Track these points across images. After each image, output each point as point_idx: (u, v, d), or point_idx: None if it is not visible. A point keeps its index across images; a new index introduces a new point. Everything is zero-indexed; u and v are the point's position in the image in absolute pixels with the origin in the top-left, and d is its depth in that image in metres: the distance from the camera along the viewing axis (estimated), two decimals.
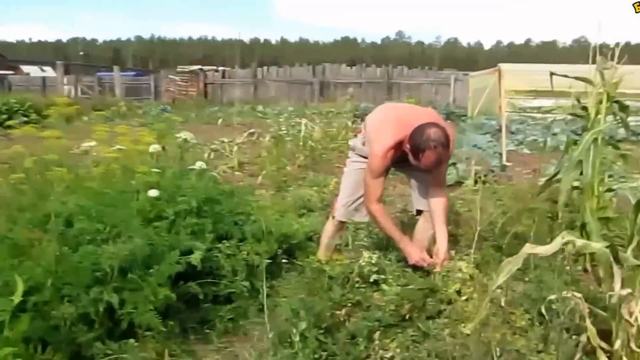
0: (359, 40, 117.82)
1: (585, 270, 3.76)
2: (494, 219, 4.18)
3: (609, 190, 3.79)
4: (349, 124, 11.14)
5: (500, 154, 8.54)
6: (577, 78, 3.90)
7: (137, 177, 3.74)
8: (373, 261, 3.08)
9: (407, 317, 2.81)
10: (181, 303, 2.99)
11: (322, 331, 2.59)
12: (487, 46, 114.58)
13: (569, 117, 16.23)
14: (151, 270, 2.78)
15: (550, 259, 3.68)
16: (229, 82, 25.33)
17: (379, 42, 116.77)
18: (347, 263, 3.22)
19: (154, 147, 3.69)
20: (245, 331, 3.17)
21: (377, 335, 2.60)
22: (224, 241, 3.46)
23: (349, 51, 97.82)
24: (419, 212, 3.68)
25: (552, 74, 4.09)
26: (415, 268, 3.28)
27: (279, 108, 19.88)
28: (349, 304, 2.92)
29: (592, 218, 3.59)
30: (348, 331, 2.65)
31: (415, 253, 3.30)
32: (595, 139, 3.65)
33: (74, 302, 2.56)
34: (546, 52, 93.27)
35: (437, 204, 3.47)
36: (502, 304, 3.10)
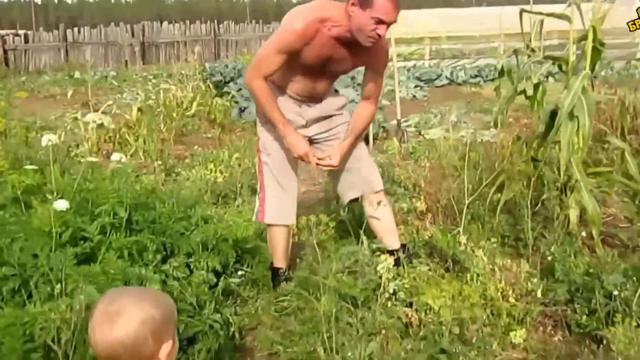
0: None
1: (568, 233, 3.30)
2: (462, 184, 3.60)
3: (604, 141, 3.39)
4: (202, 86, 10.00)
5: (380, 108, 8.07)
6: (552, 15, 3.41)
7: (11, 181, 2.64)
8: (391, 265, 2.33)
9: (472, 340, 2.13)
10: None
11: None
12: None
13: (411, 63, 16.62)
14: None
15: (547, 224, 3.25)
16: (35, 47, 22.12)
17: None
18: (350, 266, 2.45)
19: (48, 138, 2.54)
20: None
21: None
22: (170, 260, 2.53)
23: (154, 8, 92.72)
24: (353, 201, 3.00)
25: (522, 11, 3.58)
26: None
27: (99, 73, 17.91)
28: (383, 330, 2.18)
29: (581, 175, 3.17)
30: None
31: (300, 146, 2.68)
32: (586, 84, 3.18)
33: None
34: None
35: (361, 113, 2.88)
36: (539, 294, 2.58)
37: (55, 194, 2.48)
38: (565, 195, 3.14)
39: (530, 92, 3.93)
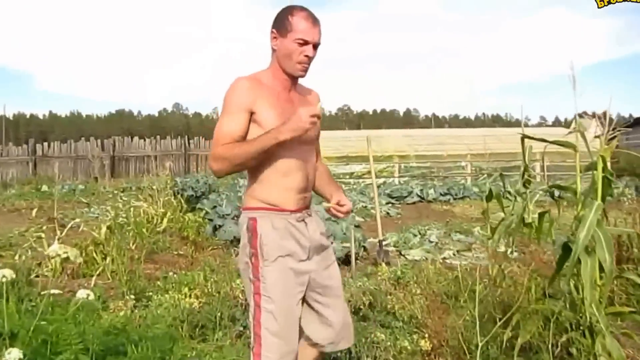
0: (135, 113, 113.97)
1: None
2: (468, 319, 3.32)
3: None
4: (173, 201, 9.71)
5: (357, 226, 7.86)
6: (556, 142, 3.29)
7: None
8: None
9: None
10: None
11: None
12: None
13: (381, 180, 16.84)
14: None
15: None
16: (3, 161, 21.87)
17: (155, 114, 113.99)
18: None
19: (2, 274, 2.19)
20: None
21: None
22: None
23: (125, 123, 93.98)
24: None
25: (524, 136, 3.46)
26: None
27: (67, 187, 17.57)
28: None
29: (602, 316, 2.91)
30: None
31: (297, 118, 2.22)
32: (600, 216, 2.99)
33: None
34: None
35: (324, 171, 2.69)
36: None
37: (8, 338, 2.10)
38: (584, 336, 2.86)
39: (528, 218, 3.76)
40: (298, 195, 2.40)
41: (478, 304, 3.21)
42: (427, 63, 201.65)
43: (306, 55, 2.35)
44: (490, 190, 4.69)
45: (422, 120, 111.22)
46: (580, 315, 2.99)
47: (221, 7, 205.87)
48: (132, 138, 24.28)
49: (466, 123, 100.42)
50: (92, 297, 2.33)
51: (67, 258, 2.43)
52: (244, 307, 4.29)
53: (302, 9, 2.37)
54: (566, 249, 2.93)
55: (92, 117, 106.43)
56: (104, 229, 5.84)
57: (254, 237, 2.36)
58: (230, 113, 2.32)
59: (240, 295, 4.44)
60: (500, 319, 3.04)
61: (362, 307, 4.07)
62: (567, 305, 3.08)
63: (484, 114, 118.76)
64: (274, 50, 2.40)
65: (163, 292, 4.72)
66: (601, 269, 2.94)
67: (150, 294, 4.72)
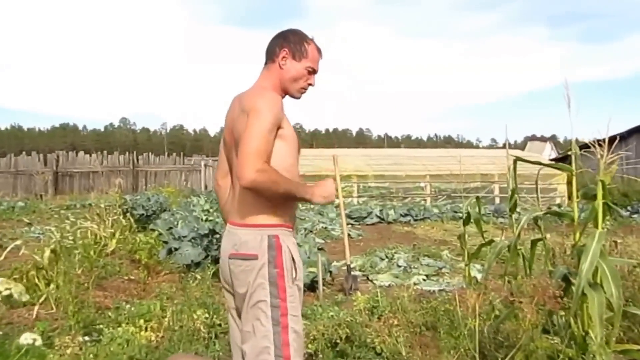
0: (80, 127, 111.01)
1: None
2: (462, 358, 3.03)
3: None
4: (122, 220, 9.16)
5: (320, 248, 7.51)
6: (552, 166, 3.09)
7: None
8: None
9: None
10: None
11: None
12: (212, 133, 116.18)
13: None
14: None
15: None
16: None
17: (101, 129, 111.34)
18: None
19: None
20: None
21: None
22: None
23: (69, 138, 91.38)
24: None
25: (517, 159, 3.23)
26: None
27: (5, 204, 16.62)
28: None
29: (606, 353, 2.67)
30: None
31: (330, 187, 2.28)
32: (603, 246, 2.77)
33: None
34: None
35: None
36: None
37: None
38: None
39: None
40: (295, 213, 2.41)
41: (470, 339, 2.94)
42: (380, 84, 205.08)
43: (309, 83, 2.46)
44: (468, 214, 4.47)
45: (375, 140, 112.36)
46: (583, 353, 2.77)
47: (166, 22, 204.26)
48: (77, 153, 23.35)
49: (418, 144, 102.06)
50: (38, 342, 1.92)
51: (10, 296, 2.01)
52: (206, 341, 3.90)
53: (313, 40, 2.48)
54: (565, 280, 2.72)
55: (34, 130, 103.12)
56: (47, 253, 5.31)
57: (279, 255, 2.22)
58: (270, 127, 2.19)
59: (202, 329, 4.04)
60: (499, 358, 2.77)
61: (338, 341, 3.74)
62: (569, 342, 2.86)
63: (436, 134, 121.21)
64: (280, 68, 2.41)
65: (115, 324, 4.26)
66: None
67: (101, 326, 4.25)
